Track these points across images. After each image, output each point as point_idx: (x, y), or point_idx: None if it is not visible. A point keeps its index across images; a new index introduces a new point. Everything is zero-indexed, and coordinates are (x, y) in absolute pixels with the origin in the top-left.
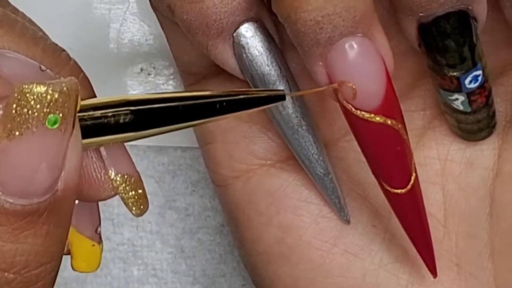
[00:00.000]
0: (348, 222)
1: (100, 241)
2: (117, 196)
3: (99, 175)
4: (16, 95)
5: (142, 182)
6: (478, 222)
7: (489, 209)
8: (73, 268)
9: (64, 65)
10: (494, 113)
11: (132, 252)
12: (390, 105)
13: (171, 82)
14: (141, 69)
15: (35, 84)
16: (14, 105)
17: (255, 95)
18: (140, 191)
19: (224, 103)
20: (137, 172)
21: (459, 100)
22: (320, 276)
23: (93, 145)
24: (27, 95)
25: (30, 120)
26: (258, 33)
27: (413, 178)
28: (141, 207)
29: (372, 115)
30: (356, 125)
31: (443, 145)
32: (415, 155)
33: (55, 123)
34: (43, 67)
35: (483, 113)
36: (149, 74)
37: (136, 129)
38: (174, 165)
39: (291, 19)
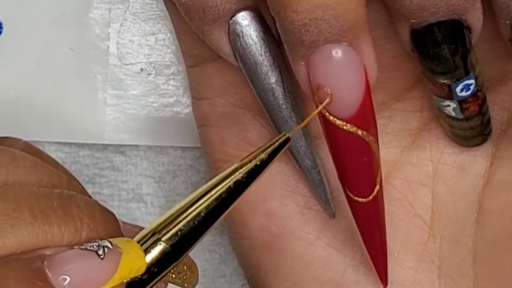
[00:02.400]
0: (333, 216)
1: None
2: (116, 197)
3: None
4: None
5: (188, 260)
6: (464, 227)
7: (476, 216)
8: None
9: (81, 225)
10: (488, 120)
11: None
12: (364, 116)
13: (171, 82)
14: (141, 69)
15: None
16: None
17: (267, 153)
18: (186, 267)
19: (244, 179)
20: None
21: (450, 107)
22: (300, 266)
23: None
24: None
25: None
26: (254, 22)
27: (376, 190)
28: (192, 280)
29: (344, 122)
30: (328, 129)
31: (437, 148)
32: (408, 154)
33: None
34: (100, 252)
35: (476, 120)
36: (149, 74)
37: (178, 254)
38: (174, 166)
39: (280, 15)
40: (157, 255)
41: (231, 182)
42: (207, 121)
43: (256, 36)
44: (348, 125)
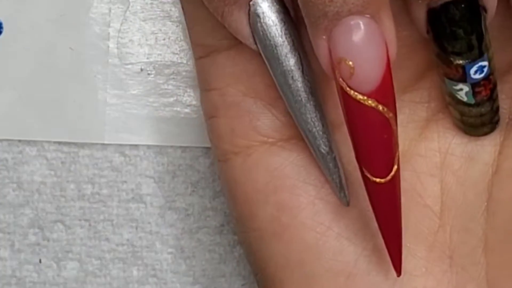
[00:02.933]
0: (347, 203)
1: None
2: (116, 197)
3: None
4: None
5: None
6: (474, 216)
7: (486, 205)
8: None
9: None
10: (497, 108)
11: (132, 252)
12: (385, 92)
13: (171, 82)
14: (141, 69)
15: None
16: None
17: None
18: None
19: None
20: None
21: (463, 91)
22: (312, 257)
23: None
24: None
25: None
26: (275, 3)
27: (394, 169)
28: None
29: (365, 97)
30: (348, 105)
31: (445, 138)
32: (416, 146)
33: None
34: None
35: (486, 106)
36: (149, 74)
37: None
38: (174, 166)
39: None
40: None
41: None
42: (217, 112)
43: (277, 17)
44: (370, 100)
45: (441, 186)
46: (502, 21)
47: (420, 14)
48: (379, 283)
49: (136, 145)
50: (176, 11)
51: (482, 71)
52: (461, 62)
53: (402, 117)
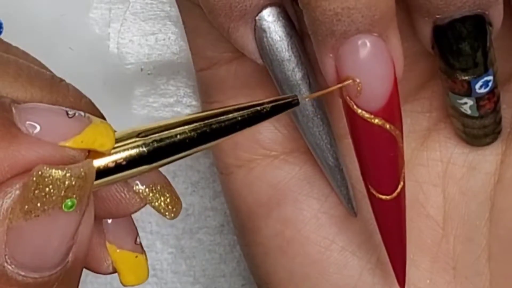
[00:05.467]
0: (355, 214)
1: (142, 251)
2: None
3: (123, 194)
4: (34, 178)
5: (170, 185)
6: (476, 226)
7: (489, 214)
8: (123, 284)
9: (65, 97)
10: (500, 119)
11: None
12: (392, 110)
13: (171, 81)
14: (141, 69)
15: (54, 169)
16: (32, 188)
17: (271, 104)
18: (167, 194)
19: (241, 119)
20: (162, 176)
21: (467, 104)
22: (316, 271)
23: (110, 182)
24: (46, 179)
25: (47, 203)
26: (280, 18)
27: (400, 187)
28: (174, 209)
29: (372, 116)
30: (355, 123)
31: (447, 148)
32: (418, 156)
33: (71, 206)
34: (70, 113)
35: (490, 118)
36: (149, 73)
37: (151, 160)
38: (174, 166)
39: (311, 5)
40: (130, 151)
41: (226, 119)
42: None
43: (283, 32)
44: (377, 118)
45: (443, 196)
46: (504, 30)
47: (426, 30)
48: None
49: None
50: (176, 11)
51: (487, 86)
52: (466, 78)
53: (404, 127)
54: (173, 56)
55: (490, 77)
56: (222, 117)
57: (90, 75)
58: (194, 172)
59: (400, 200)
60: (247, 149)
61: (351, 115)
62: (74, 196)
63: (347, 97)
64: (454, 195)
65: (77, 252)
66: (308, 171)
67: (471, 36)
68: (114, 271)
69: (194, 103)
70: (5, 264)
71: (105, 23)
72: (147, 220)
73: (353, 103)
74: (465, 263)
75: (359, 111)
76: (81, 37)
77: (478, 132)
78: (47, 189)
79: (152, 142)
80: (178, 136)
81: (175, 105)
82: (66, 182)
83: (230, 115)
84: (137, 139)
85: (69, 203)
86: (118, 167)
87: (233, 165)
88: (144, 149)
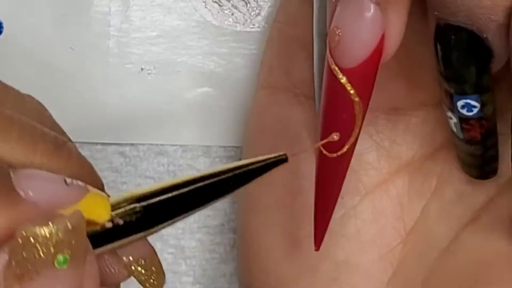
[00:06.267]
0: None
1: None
2: None
3: (112, 269)
4: (19, 240)
5: (155, 256)
6: (434, 250)
7: (448, 244)
8: None
9: (66, 163)
10: (493, 158)
11: None
12: (362, 77)
13: (171, 81)
14: (142, 68)
15: (37, 227)
16: (20, 250)
17: (259, 164)
18: (153, 269)
19: (231, 182)
20: (151, 247)
21: (452, 121)
22: None
23: (106, 250)
24: (31, 239)
25: (38, 264)
26: None
27: (344, 149)
28: (155, 283)
29: (339, 72)
30: (326, 72)
31: (449, 165)
32: (426, 163)
33: (64, 262)
34: (68, 180)
35: (477, 149)
36: (149, 73)
37: (147, 227)
38: (174, 166)
39: None
40: (126, 217)
41: (218, 180)
42: None
43: None
44: (343, 77)
45: (422, 210)
46: None
47: (432, 25)
48: None
49: (136, 146)
50: (176, 10)
51: (471, 110)
52: (449, 89)
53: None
54: (174, 56)
55: (476, 103)
56: (212, 181)
57: (91, 75)
58: (193, 172)
59: (340, 163)
60: None
61: (326, 63)
62: (66, 251)
63: (328, 43)
64: (431, 213)
65: None
66: None
67: (459, 48)
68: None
69: (194, 102)
70: None
71: (106, 22)
72: None
73: (329, 52)
74: (405, 276)
75: (331, 61)
76: (81, 37)
77: (466, 158)
78: (35, 249)
79: (148, 208)
80: (174, 200)
81: (175, 104)
82: (54, 239)
83: (220, 177)
84: (133, 205)
85: (61, 259)
86: (113, 234)
87: None
88: (139, 215)
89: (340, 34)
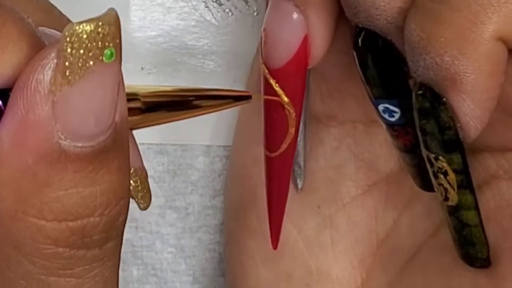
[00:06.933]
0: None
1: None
2: None
3: None
4: (67, 38)
5: (147, 178)
6: (397, 262)
7: (409, 259)
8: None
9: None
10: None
11: (132, 252)
12: (287, 77)
13: (171, 81)
14: (142, 68)
15: (84, 23)
16: (69, 49)
17: (226, 93)
18: (147, 185)
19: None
20: (143, 165)
21: (384, 127)
22: None
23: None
24: (80, 35)
25: (88, 60)
26: None
27: (282, 148)
28: (148, 200)
29: (268, 73)
30: (261, 76)
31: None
32: (401, 176)
33: (111, 56)
34: None
35: (412, 158)
36: (149, 73)
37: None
38: (174, 165)
39: None
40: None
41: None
42: None
43: None
44: (270, 77)
45: (395, 220)
46: None
47: (352, 26)
48: None
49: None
50: (176, 10)
51: (392, 116)
52: (369, 92)
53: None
54: (174, 55)
55: (395, 108)
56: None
57: None
58: (193, 171)
59: (281, 161)
60: None
61: (261, 71)
62: (111, 45)
63: (263, 49)
64: (403, 225)
65: (120, 111)
66: None
67: (369, 51)
68: None
69: None
70: (60, 141)
71: None
72: (146, 220)
73: (261, 56)
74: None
75: (261, 62)
76: None
77: (407, 167)
78: (83, 45)
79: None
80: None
81: None
82: (100, 32)
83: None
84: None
85: (109, 53)
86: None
87: None
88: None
89: (266, 35)
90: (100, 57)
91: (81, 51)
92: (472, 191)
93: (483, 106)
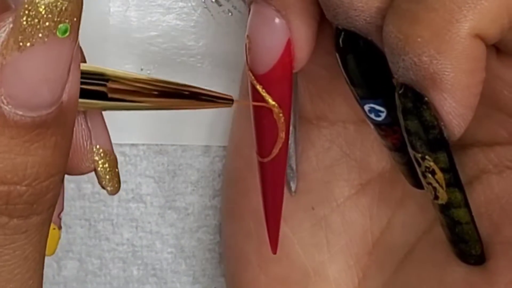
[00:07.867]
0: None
1: (60, 227)
2: (116, 197)
3: (85, 143)
4: (26, 6)
5: (117, 163)
6: (393, 260)
7: (404, 257)
8: None
9: None
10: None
11: (132, 252)
12: (273, 82)
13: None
14: (141, 69)
15: None
16: (25, 17)
17: (208, 92)
18: (116, 170)
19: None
20: (114, 153)
21: (372, 126)
22: None
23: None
24: (38, 5)
25: (41, 30)
26: None
27: (273, 153)
28: (116, 185)
29: (254, 79)
30: (250, 86)
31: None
32: (393, 174)
33: (65, 32)
34: None
35: (400, 157)
36: (149, 73)
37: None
38: (174, 165)
39: None
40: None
41: (170, 87)
42: None
43: None
44: (257, 83)
45: (389, 220)
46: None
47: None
48: None
49: (136, 145)
50: (176, 10)
51: (378, 115)
52: (354, 92)
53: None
54: (173, 55)
55: (381, 108)
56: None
57: None
58: (193, 171)
59: (274, 166)
60: None
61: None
62: (67, 21)
63: (248, 56)
64: (397, 225)
65: (70, 91)
66: None
67: (349, 51)
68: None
69: None
70: (2, 105)
71: (105, 23)
72: (146, 220)
73: (246, 62)
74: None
75: (247, 68)
76: (80, 37)
77: (398, 166)
78: (40, 15)
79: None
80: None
81: None
82: (59, 7)
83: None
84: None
85: (63, 28)
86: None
87: None
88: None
89: (250, 42)
90: (54, 31)
91: (36, 20)
92: (461, 189)
93: (465, 103)
